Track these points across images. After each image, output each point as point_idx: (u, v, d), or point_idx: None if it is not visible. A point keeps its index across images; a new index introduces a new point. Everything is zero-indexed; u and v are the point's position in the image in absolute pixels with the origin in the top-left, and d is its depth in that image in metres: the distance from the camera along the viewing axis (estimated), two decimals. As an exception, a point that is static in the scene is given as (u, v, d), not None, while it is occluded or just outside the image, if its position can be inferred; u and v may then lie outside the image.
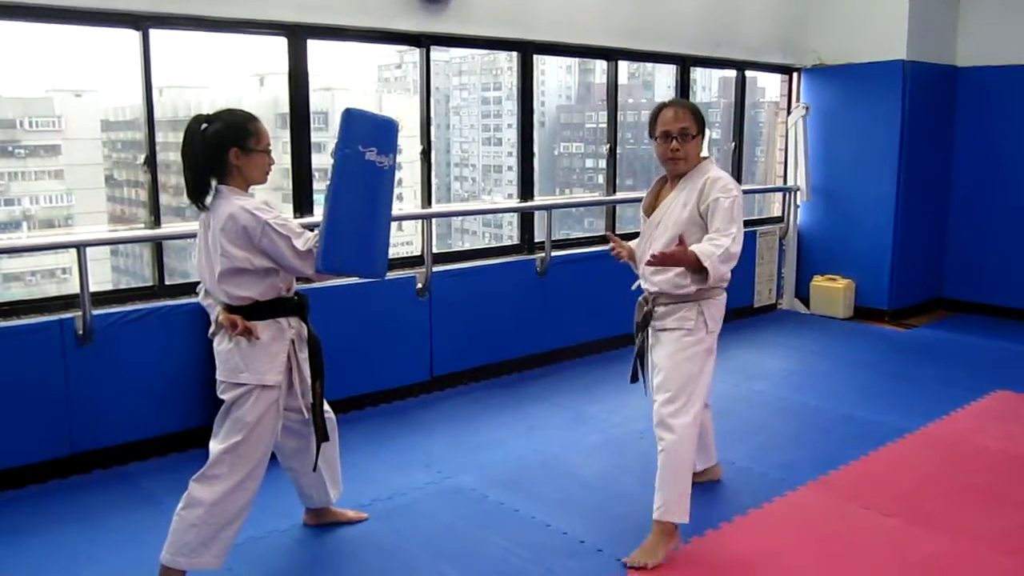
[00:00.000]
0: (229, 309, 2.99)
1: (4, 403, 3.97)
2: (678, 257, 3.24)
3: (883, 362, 6.43)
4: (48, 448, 4.12)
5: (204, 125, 3.00)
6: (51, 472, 4.13)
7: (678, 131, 3.42)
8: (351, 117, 2.90)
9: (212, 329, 3.08)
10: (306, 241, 2.93)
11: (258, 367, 3.00)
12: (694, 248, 3.25)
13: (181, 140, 3.03)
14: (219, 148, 2.98)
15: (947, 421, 5.00)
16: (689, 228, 3.41)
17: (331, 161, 2.91)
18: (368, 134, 2.91)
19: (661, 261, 3.24)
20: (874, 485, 4.10)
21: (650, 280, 3.53)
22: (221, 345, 3.03)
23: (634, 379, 3.76)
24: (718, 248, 3.24)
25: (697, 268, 3.25)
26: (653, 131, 3.51)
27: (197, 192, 3.00)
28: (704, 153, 3.57)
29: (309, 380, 3.19)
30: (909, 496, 3.97)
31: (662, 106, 3.51)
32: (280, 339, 3.06)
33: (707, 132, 3.57)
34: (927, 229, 7.87)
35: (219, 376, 3.05)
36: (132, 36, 4.37)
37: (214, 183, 3.02)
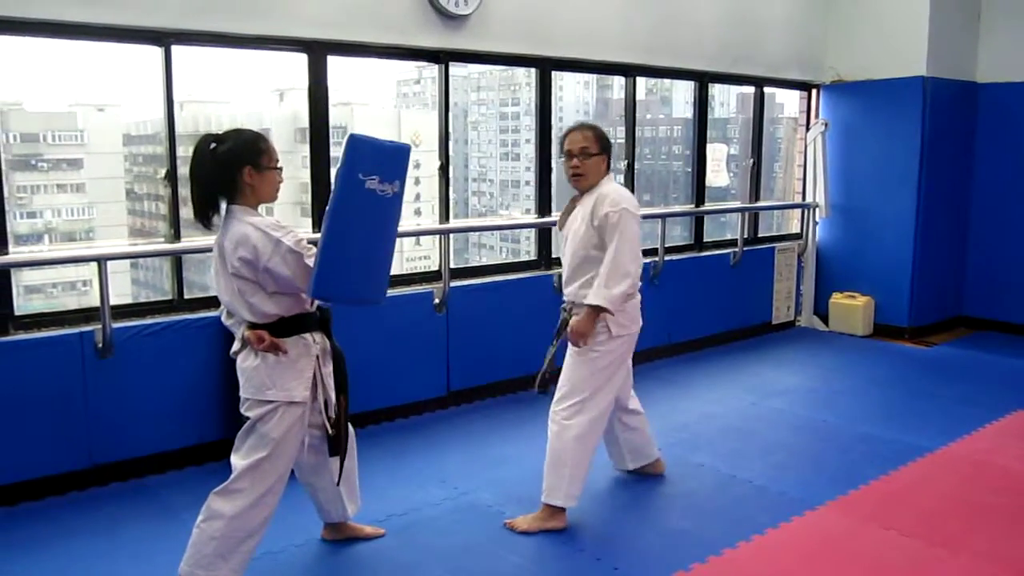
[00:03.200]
0: (253, 326, 2.99)
1: (24, 415, 4.00)
2: (580, 329, 3.75)
3: (903, 380, 6.39)
4: (67, 460, 4.15)
5: (214, 145, 2.99)
6: (70, 484, 4.16)
7: (579, 150, 3.84)
8: (355, 143, 2.83)
9: (236, 348, 3.08)
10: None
11: (285, 384, 3.01)
12: (586, 302, 3.72)
13: (190, 159, 3.03)
14: (232, 167, 2.97)
15: (967, 441, 4.95)
16: (585, 240, 3.81)
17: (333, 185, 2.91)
18: (370, 162, 2.84)
19: (575, 342, 3.80)
20: (894, 505, 4.06)
21: (564, 291, 3.98)
22: (247, 362, 3.03)
23: (542, 388, 4.05)
24: (601, 280, 3.67)
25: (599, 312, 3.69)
26: (561, 151, 3.95)
27: (205, 211, 3.00)
28: (608, 175, 3.94)
29: (333, 395, 3.20)
30: (929, 516, 3.94)
31: (569, 130, 3.94)
32: (306, 355, 3.07)
33: (612, 154, 3.97)
34: (947, 246, 7.83)
35: (244, 393, 3.05)
36: (154, 52, 4.42)
37: (223, 203, 3.03)
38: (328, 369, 3.19)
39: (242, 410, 3.07)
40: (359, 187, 2.82)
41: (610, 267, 3.66)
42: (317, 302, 3.16)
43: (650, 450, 4.38)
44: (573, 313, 3.88)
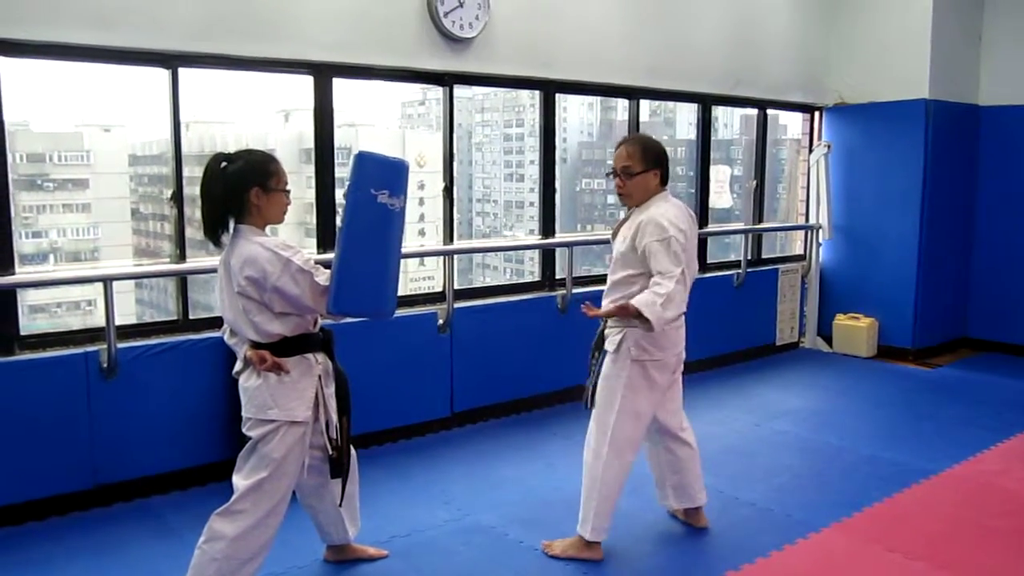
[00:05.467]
0: (256, 345, 3.00)
1: (28, 434, 4.00)
2: (617, 311, 3.46)
3: (907, 402, 6.37)
4: (71, 480, 4.15)
5: (224, 164, 3.02)
6: (73, 504, 4.15)
7: (620, 168, 3.65)
8: (363, 160, 2.93)
9: (239, 367, 3.09)
10: (327, 279, 2.95)
11: (287, 403, 3.01)
12: (635, 300, 3.40)
13: (201, 177, 3.06)
14: (240, 187, 3.00)
15: (972, 463, 4.94)
16: (626, 261, 3.61)
17: (344, 202, 2.95)
18: (380, 177, 2.94)
19: (601, 314, 3.51)
20: (898, 527, 4.05)
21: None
22: (249, 382, 3.04)
23: (591, 406, 3.77)
24: (659, 296, 3.39)
25: (640, 316, 3.38)
26: None
27: (214, 230, 3.03)
28: (662, 192, 3.70)
29: (335, 416, 3.20)
30: (934, 539, 3.92)
31: (618, 144, 3.73)
32: (309, 375, 3.08)
33: (666, 165, 3.70)
34: (951, 268, 7.83)
35: (246, 413, 3.05)
36: (162, 74, 4.45)
37: (231, 222, 3.06)
38: (330, 390, 3.19)
39: (244, 430, 3.07)
40: (372, 202, 2.90)
41: (669, 293, 3.40)
42: (320, 323, 3.18)
43: (694, 492, 4.00)
44: (608, 327, 3.71)
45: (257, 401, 3.02)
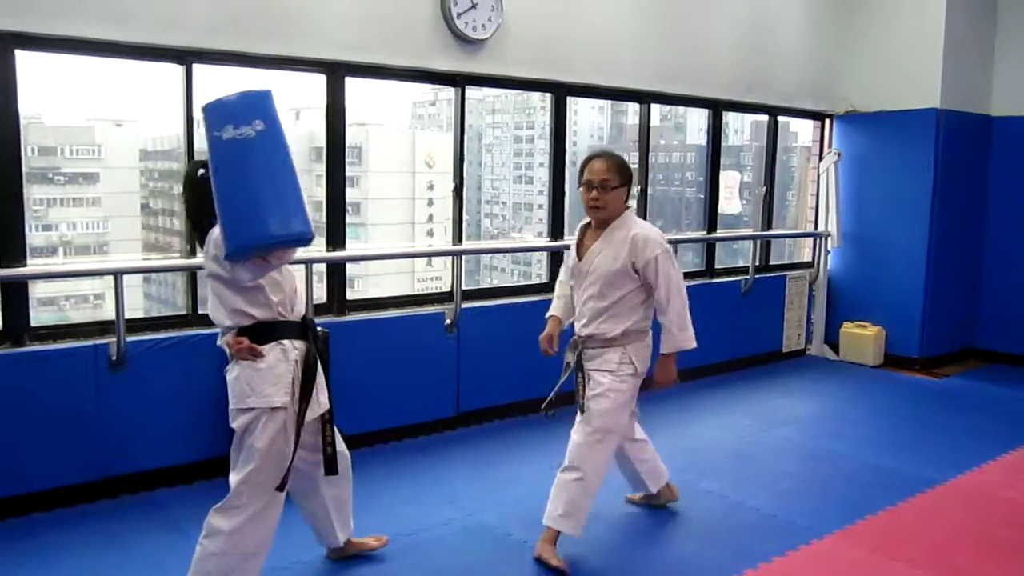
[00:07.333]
0: (238, 334, 3.04)
1: (37, 425, 4.03)
2: (670, 378, 3.84)
3: (913, 411, 6.37)
4: (78, 472, 4.17)
5: (201, 171, 3.08)
6: (79, 496, 4.18)
7: (599, 182, 3.69)
8: (205, 111, 2.90)
9: (228, 366, 3.12)
10: None
11: (263, 390, 3.02)
12: (670, 348, 3.78)
13: (182, 186, 3.17)
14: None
15: (977, 473, 4.93)
16: (619, 279, 3.72)
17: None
18: (218, 117, 2.86)
19: (665, 386, 3.87)
20: (901, 536, 4.05)
21: (581, 325, 3.86)
22: (231, 374, 3.08)
23: (548, 408, 4.00)
24: (678, 325, 3.74)
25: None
26: (580, 180, 3.79)
27: (202, 231, 3.13)
28: (630, 204, 3.88)
29: (325, 398, 3.22)
30: (937, 549, 3.92)
31: (589, 157, 3.79)
32: (284, 360, 3.07)
33: (633, 183, 3.86)
34: (959, 278, 7.82)
35: (230, 405, 3.09)
36: (175, 70, 4.47)
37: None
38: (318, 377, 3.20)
39: (230, 422, 3.09)
40: (218, 142, 2.84)
41: (679, 311, 3.71)
42: (297, 310, 3.19)
43: (659, 476, 4.25)
44: (588, 347, 3.83)
45: (236, 391, 3.05)
